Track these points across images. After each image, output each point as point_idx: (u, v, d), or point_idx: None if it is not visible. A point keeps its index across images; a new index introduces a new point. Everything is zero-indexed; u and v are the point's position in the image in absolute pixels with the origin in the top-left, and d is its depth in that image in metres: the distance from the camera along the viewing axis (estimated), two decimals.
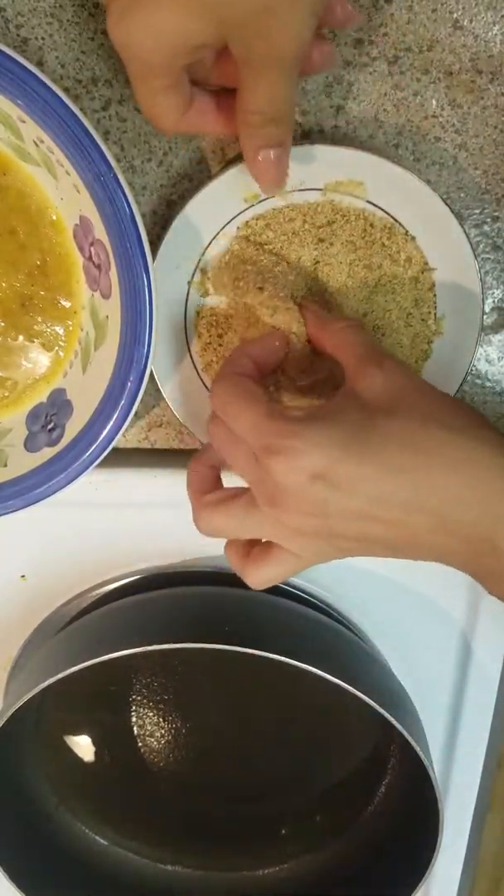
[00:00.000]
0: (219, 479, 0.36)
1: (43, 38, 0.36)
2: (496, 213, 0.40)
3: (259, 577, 0.34)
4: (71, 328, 0.39)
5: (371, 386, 0.31)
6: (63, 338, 0.39)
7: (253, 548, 0.35)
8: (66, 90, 0.35)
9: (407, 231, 0.38)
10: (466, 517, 0.29)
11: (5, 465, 0.39)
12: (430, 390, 0.32)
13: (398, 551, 0.31)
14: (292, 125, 0.32)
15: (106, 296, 0.36)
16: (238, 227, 0.38)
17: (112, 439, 0.37)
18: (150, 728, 0.54)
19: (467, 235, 0.37)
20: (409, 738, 0.40)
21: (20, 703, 0.39)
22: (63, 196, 0.35)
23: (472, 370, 0.42)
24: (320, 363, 0.38)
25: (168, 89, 0.31)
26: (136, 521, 0.45)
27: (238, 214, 0.38)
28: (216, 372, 0.40)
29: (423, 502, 0.29)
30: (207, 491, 0.35)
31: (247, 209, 0.37)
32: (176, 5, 0.27)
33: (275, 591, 0.47)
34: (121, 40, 0.29)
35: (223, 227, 0.38)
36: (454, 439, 0.29)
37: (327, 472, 0.29)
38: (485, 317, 0.42)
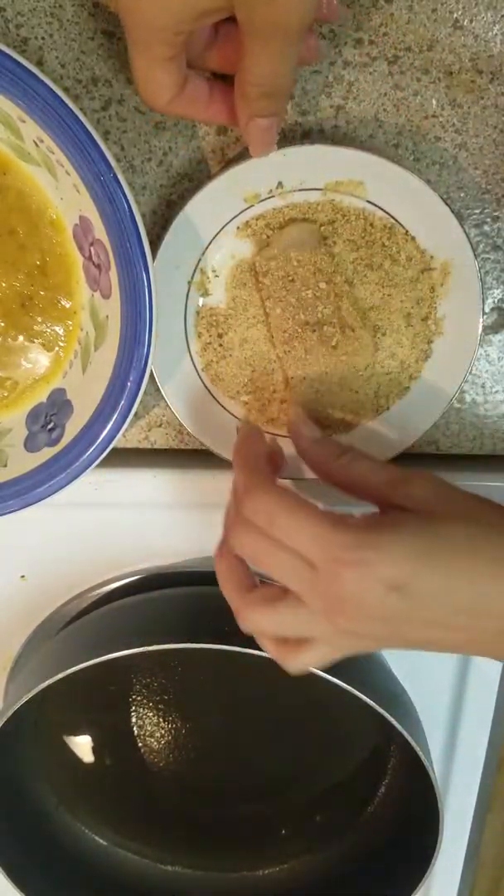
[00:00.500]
0: (248, 569, 0.35)
1: (43, 38, 0.36)
2: (496, 213, 0.40)
3: (298, 665, 0.34)
4: (71, 328, 0.39)
5: (410, 498, 0.32)
6: (63, 338, 0.39)
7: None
8: (66, 90, 0.35)
9: (407, 231, 0.38)
10: None
11: (5, 465, 0.39)
12: (460, 492, 0.32)
13: (463, 651, 0.32)
14: (288, 97, 0.32)
15: (106, 296, 0.36)
16: (238, 227, 0.38)
17: (112, 439, 0.37)
18: (150, 728, 0.54)
19: (467, 235, 0.37)
20: (409, 738, 0.40)
21: (20, 703, 0.39)
22: (63, 196, 0.35)
23: (472, 370, 0.42)
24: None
25: (166, 63, 0.30)
26: (136, 521, 0.45)
27: (238, 214, 0.38)
28: (237, 446, 0.38)
29: (491, 607, 0.29)
30: (245, 585, 0.34)
31: (247, 209, 0.37)
32: None
33: None
34: (127, 3, 0.28)
35: (223, 227, 0.38)
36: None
37: (406, 584, 0.29)
38: (485, 317, 0.42)
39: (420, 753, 0.41)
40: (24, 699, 0.39)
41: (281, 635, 0.34)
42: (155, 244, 0.37)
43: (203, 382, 0.41)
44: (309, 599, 0.31)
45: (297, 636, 0.33)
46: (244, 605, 0.33)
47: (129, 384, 0.35)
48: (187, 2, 0.28)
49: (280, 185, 0.37)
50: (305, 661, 0.34)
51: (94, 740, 0.53)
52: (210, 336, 0.40)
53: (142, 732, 0.54)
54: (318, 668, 0.35)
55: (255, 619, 0.33)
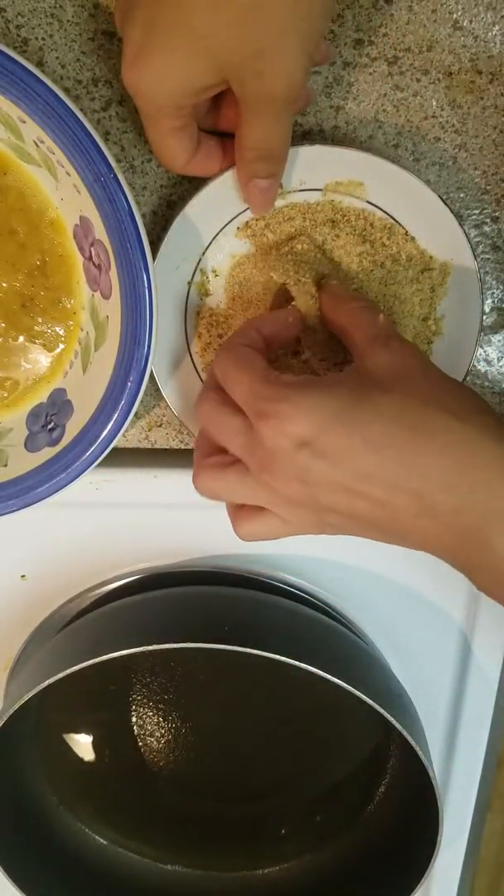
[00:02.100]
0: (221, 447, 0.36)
1: (43, 39, 0.36)
2: (496, 214, 0.40)
3: (246, 529, 0.34)
4: (71, 328, 0.39)
5: (375, 363, 0.32)
6: (63, 338, 0.40)
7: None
8: (66, 90, 0.35)
9: (407, 231, 0.38)
10: (450, 503, 0.28)
11: (5, 465, 0.39)
12: (435, 373, 0.32)
13: (384, 534, 0.31)
14: (284, 160, 0.35)
15: (106, 296, 0.36)
16: (238, 228, 0.38)
17: (112, 439, 0.37)
18: (150, 728, 0.54)
19: (467, 235, 0.37)
20: (409, 738, 0.40)
21: (20, 703, 0.39)
22: (63, 196, 0.35)
23: (472, 370, 0.42)
24: (338, 346, 0.38)
25: (177, 132, 0.33)
26: (136, 521, 0.45)
27: (238, 214, 0.38)
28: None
29: (406, 482, 0.29)
30: (205, 452, 0.35)
31: (247, 210, 0.37)
32: (179, 51, 0.29)
33: (275, 591, 0.47)
34: (132, 84, 0.31)
35: (223, 228, 0.38)
36: (448, 422, 0.29)
37: (313, 440, 0.29)
38: (485, 317, 0.42)
39: (420, 753, 0.41)
40: (24, 699, 0.39)
41: (228, 499, 0.35)
42: (155, 244, 0.37)
43: (203, 382, 0.41)
44: (246, 461, 0.32)
45: (242, 501, 0.34)
46: (199, 468, 0.34)
47: (129, 384, 0.35)
48: (185, 81, 0.30)
49: (280, 185, 0.37)
50: (252, 529, 0.34)
51: (94, 740, 0.53)
52: (210, 336, 0.40)
53: (142, 732, 0.54)
54: (266, 539, 0.34)
55: (206, 483, 0.34)
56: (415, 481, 0.28)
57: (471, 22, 0.36)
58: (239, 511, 0.35)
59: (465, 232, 0.37)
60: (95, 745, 0.53)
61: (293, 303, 0.37)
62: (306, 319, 0.37)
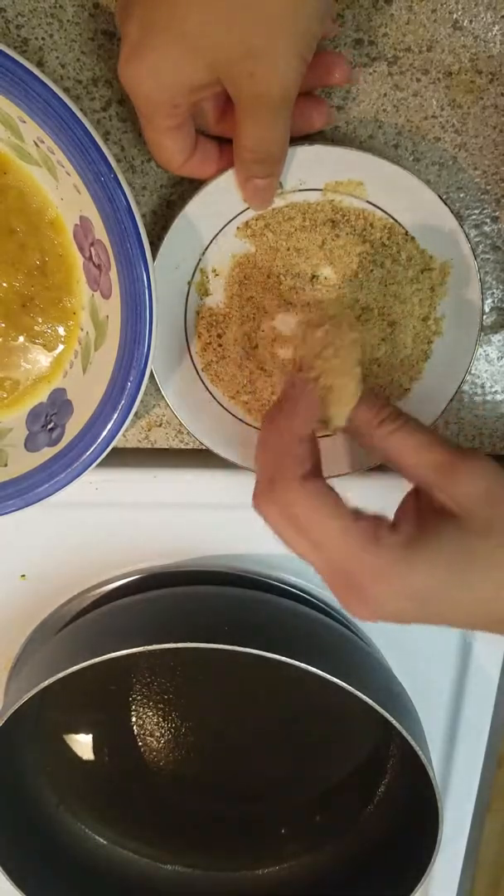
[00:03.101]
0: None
1: (43, 39, 0.36)
2: (496, 214, 0.40)
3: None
4: (71, 328, 0.39)
5: (458, 497, 0.30)
6: (63, 338, 0.40)
7: None
8: (66, 90, 0.35)
9: (407, 231, 0.38)
10: None
11: (5, 465, 0.39)
12: None
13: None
14: (282, 160, 0.35)
15: (106, 296, 0.36)
16: (238, 228, 0.38)
17: (112, 439, 0.37)
18: (150, 728, 0.54)
19: (467, 235, 0.37)
20: (409, 738, 0.40)
21: (20, 703, 0.39)
22: (63, 196, 0.35)
23: (471, 370, 0.42)
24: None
25: (173, 131, 0.33)
26: (136, 521, 0.45)
27: (238, 214, 0.38)
28: (254, 418, 0.36)
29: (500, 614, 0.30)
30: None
31: (247, 209, 0.37)
32: (173, 50, 0.30)
33: (275, 591, 0.47)
34: (127, 81, 0.31)
35: (223, 227, 0.38)
36: None
37: (428, 598, 0.29)
38: (485, 317, 0.42)
39: (420, 753, 0.41)
40: (24, 699, 0.39)
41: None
42: (155, 244, 0.37)
43: (203, 382, 0.41)
44: (330, 582, 0.31)
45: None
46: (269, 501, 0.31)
47: (129, 384, 0.35)
48: (179, 79, 0.30)
49: (280, 185, 0.37)
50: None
51: (94, 740, 0.53)
52: (210, 336, 0.40)
53: (142, 732, 0.54)
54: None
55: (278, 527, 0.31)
56: None
57: (471, 22, 0.36)
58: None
59: (465, 232, 0.37)
60: (95, 745, 0.53)
61: (317, 378, 0.32)
62: (333, 419, 0.32)
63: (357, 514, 0.30)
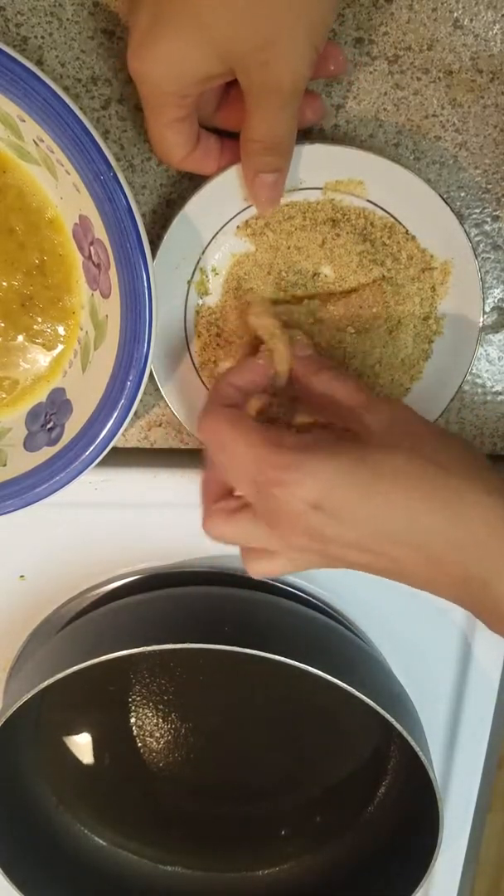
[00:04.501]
0: (229, 488, 0.37)
1: (43, 37, 0.36)
2: (496, 213, 0.40)
3: (257, 569, 0.36)
4: (70, 327, 0.39)
5: (365, 426, 0.33)
6: (63, 337, 0.39)
7: None
8: (65, 89, 0.35)
9: (407, 230, 0.38)
10: (451, 555, 0.30)
11: (5, 465, 0.39)
12: (423, 427, 0.34)
13: (392, 578, 0.33)
14: (290, 154, 0.34)
15: (105, 295, 0.36)
16: (238, 227, 0.38)
17: (112, 439, 0.37)
18: (149, 728, 0.54)
19: (467, 235, 0.37)
20: (409, 738, 0.40)
21: (20, 703, 0.39)
22: (63, 195, 0.35)
23: (471, 370, 0.42)
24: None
25: (177, 123, 0.33)
26: (136, 521, 0.45)
27: (238, 214, 0.38)
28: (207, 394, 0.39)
29: (411, 538, 0.30)
30: (219, 497, 0.36)
31: (246, 209, 0.37)
32: (185, 39, 0.29)
33: (275, 591, 0.47)
34: (137, 70, 0.31)
35: (223, 227, 0.38)
36: (444, 477, 0.30)
37: (325, 503, 0.30)
38: (485, 317, 0.42)
39: (420, 753, 0.41)
40: (24, 699, 0.39)
41: (240, 544, 0.36)
42: (155, 244, 0.37)
43: (203, 382, 0.41)
44: (259, 515, 0.33)
45: (254, 545, 0.35)
46: (210, 513, 0.36)
47: (128, 383, 0.35)
48: (190, 68, 0.30)
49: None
50: (263, 570, 0.36)
51: (93, 740, 0.53)
52: (209, 335, 0.40)
53: (142, 732, 0.54)
54: (275, 577, 0.36)
55: (218, 528, 0.35)
56: (419, 537, 0.30)
57: (471, 21, 0.36)
58: (250, 551, 0.36)
59: (465, 231, 0.37)
60: (95, 745, 0.53)
61: (264, 347, 0.37)
62: (278, 376, 0.37)
63: (268, 428, 0.33)
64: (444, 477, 0.30)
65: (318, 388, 0.36)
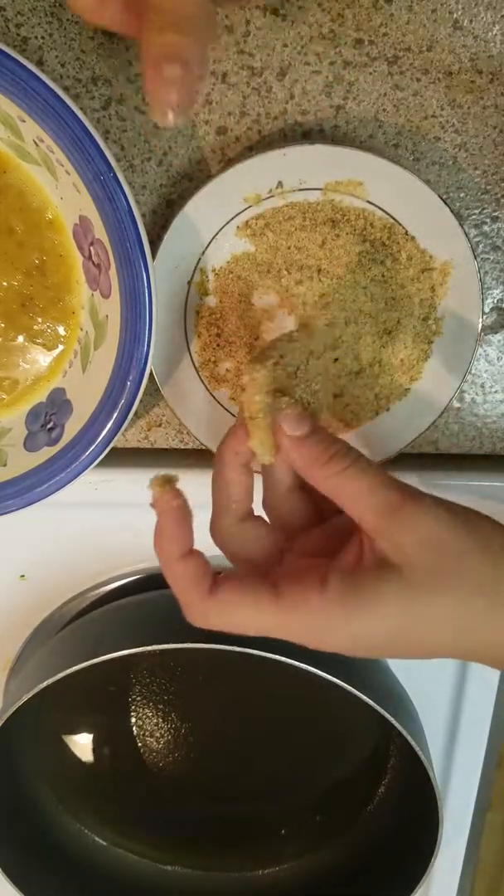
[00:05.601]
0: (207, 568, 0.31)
1: (43, 38, 0.36)
2: (496, 213, 0.40)
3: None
4: (70, 328, 0.39)
5: (401, 544, 0.27)
6: (63, 337, 0.39)
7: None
8: (65, 89, 0.35)
9: (407, 231, 0.38)
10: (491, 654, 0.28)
11: (5, 465, 0.39)
12: (459, 539, 0.27)
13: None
14: (201, 40, 0.26)
15: (105, 295, 0.36)
16: (238, 227, 0.38)
17: (111, 439, 0.37)
18: (149, 728, 0.54)
19: (467, 235, 0.37)
20: (409, 738, 0.40)
21: (20, 703, 0.39)
22: (63, 195, 0.35)
23: (471, 370, 0.42)
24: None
25: None
26: (136, 521, 0.45)
27: (238, 214, 0.38)
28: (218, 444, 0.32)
29: (462, 654, 0.29)
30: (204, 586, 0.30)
31: (246, 209, 0.37)
32: None
33: None
34: None
35: (223, 227, 0.38)
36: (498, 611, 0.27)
37: (383, 648, 0.28)
38: (484, 317, 0.42)
39: (420, 753, 0.41)
40: (24, 699, 0.39)
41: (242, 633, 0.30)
42: (155, 244, 0.37)
43: (203, 382, 0.41)
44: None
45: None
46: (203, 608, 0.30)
47: (128, 383, 0.35)
48: None
49: (280, 184, 0.37)
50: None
51: (94, 740, 0.53)
52: (209, 335, 0.40)
53: (142, 732, 0.54)
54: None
55: (211, 621, 0.30)
56: (473, 653, 0.29)
57: (471, 22, 0.36)
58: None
59: (465, 231, 0.37)
60: (95, 745, 0.53)
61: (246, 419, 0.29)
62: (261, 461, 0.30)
63: (276, 591, 0.28)
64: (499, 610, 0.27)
65: (333, 484, 0.28)
